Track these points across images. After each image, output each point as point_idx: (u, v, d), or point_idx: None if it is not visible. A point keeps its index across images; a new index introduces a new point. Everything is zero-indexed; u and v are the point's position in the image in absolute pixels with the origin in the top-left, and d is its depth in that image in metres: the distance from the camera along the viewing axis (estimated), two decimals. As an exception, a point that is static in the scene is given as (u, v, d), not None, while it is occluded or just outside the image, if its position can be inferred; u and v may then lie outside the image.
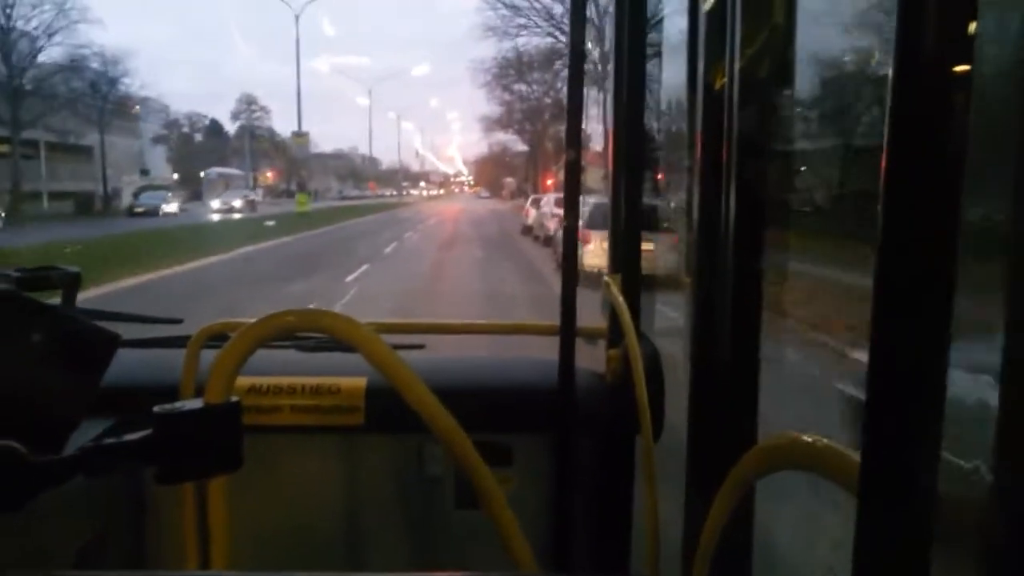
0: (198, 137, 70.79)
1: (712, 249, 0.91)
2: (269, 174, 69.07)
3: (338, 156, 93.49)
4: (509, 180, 69.58)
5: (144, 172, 52.83)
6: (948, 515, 0.43)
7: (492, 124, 49.98)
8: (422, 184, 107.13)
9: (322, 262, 14.97)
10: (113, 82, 40.63)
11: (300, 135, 42.41)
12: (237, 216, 35.87)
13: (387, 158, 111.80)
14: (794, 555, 1.50)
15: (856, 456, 0.47)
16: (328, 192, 73.69)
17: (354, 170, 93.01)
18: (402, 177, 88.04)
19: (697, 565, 0.76)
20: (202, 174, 53.22)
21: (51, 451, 0.74)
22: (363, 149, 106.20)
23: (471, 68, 63.14)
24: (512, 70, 39.53)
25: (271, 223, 26.15)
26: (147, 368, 1.40)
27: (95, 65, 39.04)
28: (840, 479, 0.52)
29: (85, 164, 40.05)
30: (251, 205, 42.40)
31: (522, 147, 52.21)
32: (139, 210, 35.23)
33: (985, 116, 0.42)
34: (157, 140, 64.98)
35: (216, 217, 35.05)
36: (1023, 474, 0.37)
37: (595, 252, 8.12)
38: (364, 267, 14.07)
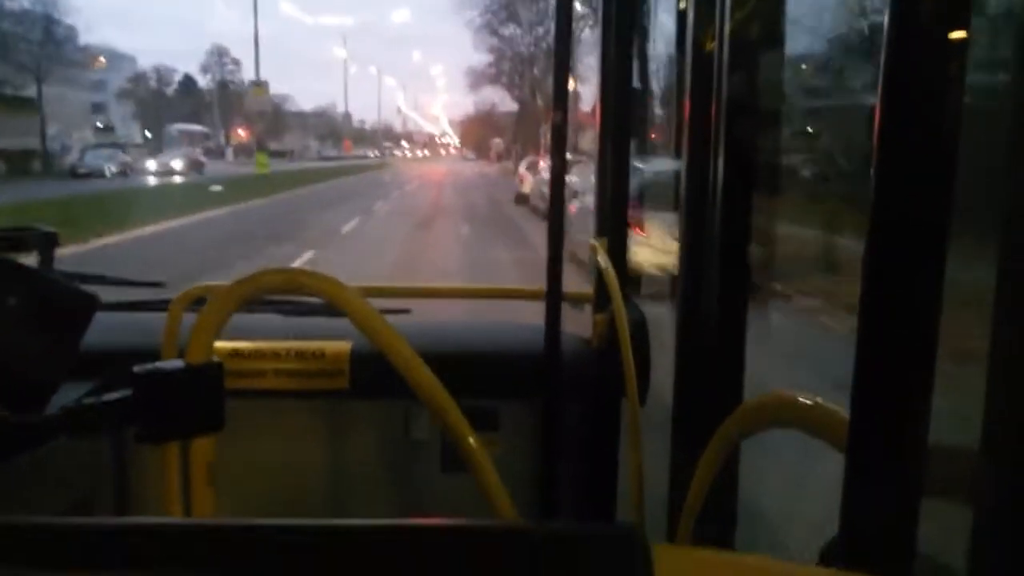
0: (170, 92, 67.60)
1: (700, 211, 0.95)
2: (241, 131, 64.82)
3: (319, 114, 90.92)
4: (497, 141, 69.75)
5: (106, 128, 50.95)
6: (937, 469, 0.45)
7: (479, 78, 48.00)
8: (404, 144, 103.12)
9: (252, 247, 11.22)
10: (50, 31, 37.21)
11: (258, 84, 37.02)
12: (179, 179, 31.09)
13: (371, 117, 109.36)
14: (781, 511, 1.52)
15: (843, 412, 0.49)
16: (307, 152, 72.32)
17: (335, 129, 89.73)
18: (382, 137, 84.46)
19: (683, 523, 0.80)
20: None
21: (32, 412, 0.77)
22: (347, 108, 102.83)
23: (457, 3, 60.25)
24: (502, 9, 37.95)
25: (217, 188, 22.23)
26: (128, 331, 1.43)
27: (34, 7, 36.32)
28: (827, 436, 0.54)
29: (27, 118, 35.61)
30: (196, 166, 36.75)
31: (510, 106, 50.68)
32: (82, 171, 30.85)
33: (981, 79, 0.44)
34: (122, 95, 60.97)
35: (153, 181, 30.24)
36: (1010, 427, 0.38)
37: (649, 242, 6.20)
38: (307, 255, 10.65)
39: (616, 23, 1.39)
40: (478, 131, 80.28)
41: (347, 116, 47.34)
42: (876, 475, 0.45)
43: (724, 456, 0.72)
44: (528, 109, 40.52)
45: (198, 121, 58.47)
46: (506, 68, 43.05)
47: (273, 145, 72.87)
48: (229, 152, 54.89)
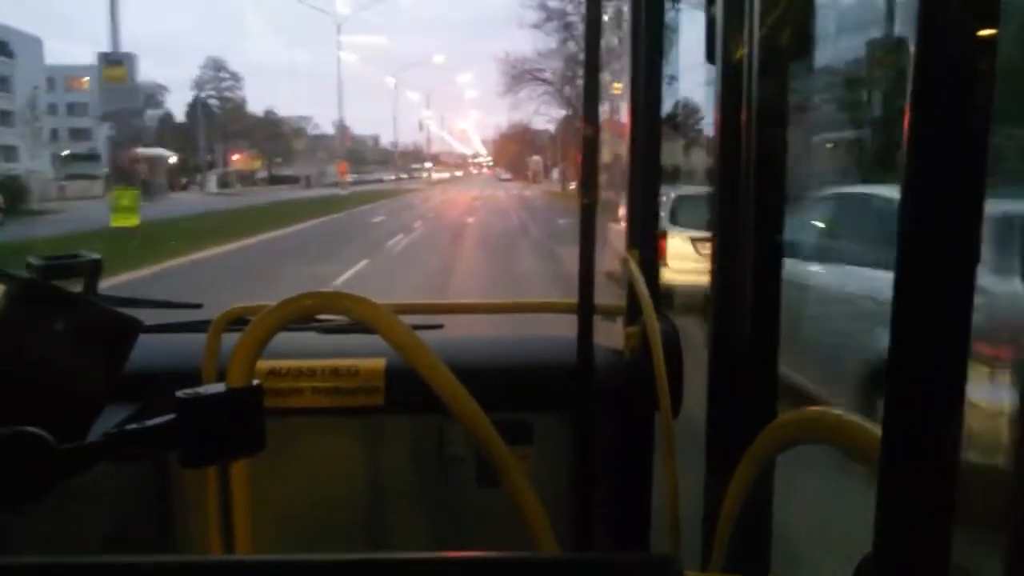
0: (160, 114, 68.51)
1: (732, 224, 1.07)
2: (236, 156, 65.78)
3: (350, 138, 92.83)
4: (535, 159, 68.86)
5: (84, 157, 50.40)
6: (970, 487, 0.51)
7: (519, 75, 46.11)
8: (428, 165, 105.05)
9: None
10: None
11: (113, 63, 23.26)
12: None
13: (404, 139, 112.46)
14: (813, 530, 1.71)
15: (876, 428, 0.56)
16: (324, 177, 71.73)
17: (358, 153, 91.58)
18: (410, 159, 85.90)
19: (718, 540, 0.88)
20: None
21: (75, 438, 0.87)
22: (378, 131, 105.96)
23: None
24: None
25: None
26: (169, 353, 1.64)
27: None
28: (860, 452, 0.61)
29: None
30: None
31: (549, 116, 49.40)
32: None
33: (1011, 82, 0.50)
34: (106, 117, 62.73)
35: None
36: None
37: (678, 257, 7.10)
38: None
39: (646, 36, 1.58)
40: (513, 149, 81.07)
41: (341, 128, 46.58)
42: (909, 491, 0.49)
43: (757, 473, 0.82)
44: (578, 116, 40.37)
45: (188, 144, 59.15)
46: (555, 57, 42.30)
47: (286, 171, 73.68)
48: (211, 180, 54.02)
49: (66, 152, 55.95)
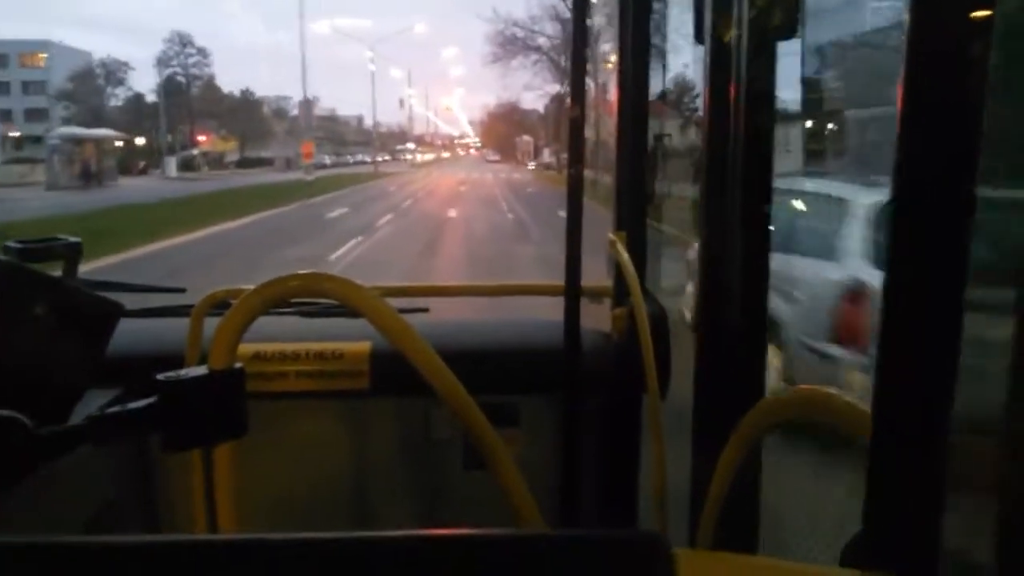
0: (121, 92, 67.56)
1: (720, 203, 1.11)
2: (203, 138, 64.90)
3: (331, 119, 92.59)
4: (526, 138, 68.24)
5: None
6: (960, 463, 0.51)
7: (509, 45, 45.15)
8: (411, 147, 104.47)
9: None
10: None
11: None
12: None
13: (389, 120, 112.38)
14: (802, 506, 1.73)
15: (865, 407, 0.58)
16: (301, 159, 70.63)
17: (337, 134, 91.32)
18: (377, 139, 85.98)
19: (704, 519, 0.92)
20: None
21: (56, 421, 0.91)
22: (363, 113, 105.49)
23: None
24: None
25: None
26: (151, 337, 1.69)
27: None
28: (849, 430, 0.64)
29: None
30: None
31: (533, 104, 49.11)
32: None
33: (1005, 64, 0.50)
34: (60, 96, 61.76)
35: None
36: None
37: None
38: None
39: (633, 19, 1.65)
40: (501, 129, 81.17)
41: (306, 105, 44.98)
42: (899, 470, 0.52)
43: (745, 452, 0.85)
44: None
45: (156, 125, 58.25)
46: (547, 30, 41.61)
47: (263, 153, 72.44)
48: (171, 164, 52.33)
49: (16, 134, 54.84)
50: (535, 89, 56.86)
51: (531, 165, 61.86)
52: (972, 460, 0.51)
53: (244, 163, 69.25)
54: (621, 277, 1.60)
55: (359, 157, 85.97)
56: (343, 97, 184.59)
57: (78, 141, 39.73)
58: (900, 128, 0.49)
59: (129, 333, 1.28)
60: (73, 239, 1.35)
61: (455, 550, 0.57)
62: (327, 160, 76.80)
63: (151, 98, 64.81)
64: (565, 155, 1.62)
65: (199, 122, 66.12)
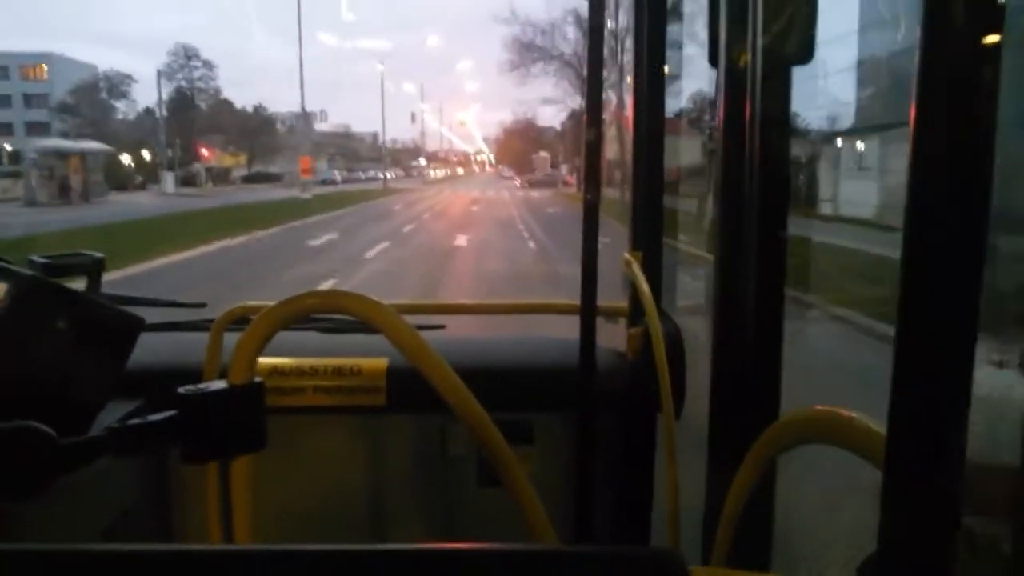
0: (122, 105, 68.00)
1: (736, 224, 1.16)
2: (205, 152, 65.27)
3: (345, 135, 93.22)
4: (543, 155, 67.21)
5: None
6: (975, 488, 0.52)
7: (526, 52, 45.38)
8: (422, 162, 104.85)
9: None
10: None
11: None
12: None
13: (404, 136, 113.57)
14: (817, 530, 1.80)
15: (881, 428, 0.60)
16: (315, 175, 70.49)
17: (349, 149, 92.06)
18: (386, 155, 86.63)
19: (719, 539, 0.95)
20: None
21: (78, 433, 0.95)
22: (378, 129, 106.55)
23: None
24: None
25: None
26: (172, 351, 1.78)
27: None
28: (864, 451, 0.66)
29: None
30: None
31: (550, 121, 49.17)
32: None
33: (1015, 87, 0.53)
34: (62, 109, 62.22)
35: None
36: None
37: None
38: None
39: (648, 40, 1.72)
40: (516, 145, 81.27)
41: (305, 116, 43.57)
42: (914, 491, 0.54)
43: (760, 473, 0.89)
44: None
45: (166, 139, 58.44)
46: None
47: (272, 168, 71.93)
48: (168, 179, 51.46)
49: (8, 148, 54.94)
50: (554, 102, 56.98)
51: (516, 180, 61.86)
52: (989, 481, 0.53)
53: (252, 178, 69.65)
54: (637, 296, 1.66)
55: (371, 173, 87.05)
56: (360, 113, 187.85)
57: (61, 155, 38.77)
58: (912, 152, 0.51)
59: (150, 347, 1.35)
60: (96, 254, 1.45)
61: (469, 563, 0.60)
62: (337, 176, 77.61)
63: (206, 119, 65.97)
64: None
65: (206, 137, 66.28)
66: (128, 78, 66.89)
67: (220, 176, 67.16)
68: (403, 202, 41.59)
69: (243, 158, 73.26)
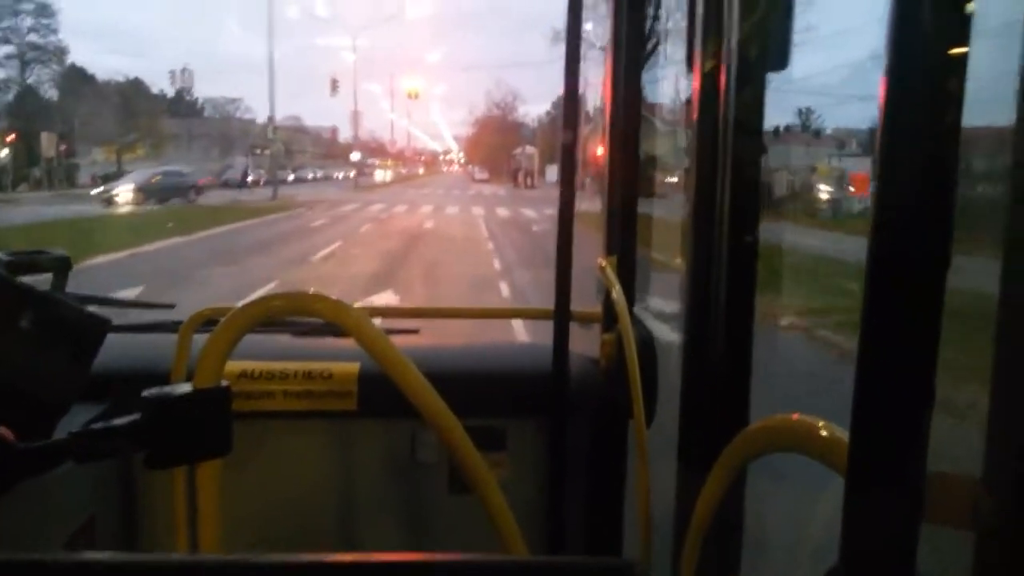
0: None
1: (707, 231, 1.20)
2: (63, 147, 43.76)
3: (298, 130, 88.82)
4: (528, 150, 56.25)
5: None
6: (937, 494, 0.54)
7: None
8: (371, 161, 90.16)
9: None
10: None
11: None
12: None
13: (367, 134, 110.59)
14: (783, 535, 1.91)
15: (847, 436, 0.62)
16: (228, 172, 56.86)
17: (299, 145, 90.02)
18: (367, 154, 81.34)
19: (688, 547, 1.00)
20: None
21: (41, 436, 0.98)
22: (337, 124, 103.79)
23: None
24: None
25: None
26: (139, 353, 1.81)
27: None
28: (830, 460, 0.69)
29: None
30: None
31: (528, 114, 46.28)
32: None
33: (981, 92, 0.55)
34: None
35: None
36: (1011, 456, 0.48)
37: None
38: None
39: (626, 44, 1.78)
40: (489, 141, 74.56)
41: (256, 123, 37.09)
42: (876, 500, 0.56)
43: (729, 481, 0.93)
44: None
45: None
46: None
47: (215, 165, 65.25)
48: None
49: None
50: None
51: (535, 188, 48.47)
52: (949, 493, 0.54)
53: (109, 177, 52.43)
54: (610, 302, 1.71)
55: (320, 173, 74.82)
56: (313, 106, 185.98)
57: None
58: (880, 161, 0.54)
59: (116, 349, 1.37)
60: (62, 252, 1.46)
61: (436, 573, 0.62)
62: (251, 178, 55.05)
63: (51, 93, 50.83)
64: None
65: (90, 126, 48.59)
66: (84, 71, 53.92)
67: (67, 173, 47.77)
68: (292, 226, 24.27)
69: (140, 151, 55.84)
